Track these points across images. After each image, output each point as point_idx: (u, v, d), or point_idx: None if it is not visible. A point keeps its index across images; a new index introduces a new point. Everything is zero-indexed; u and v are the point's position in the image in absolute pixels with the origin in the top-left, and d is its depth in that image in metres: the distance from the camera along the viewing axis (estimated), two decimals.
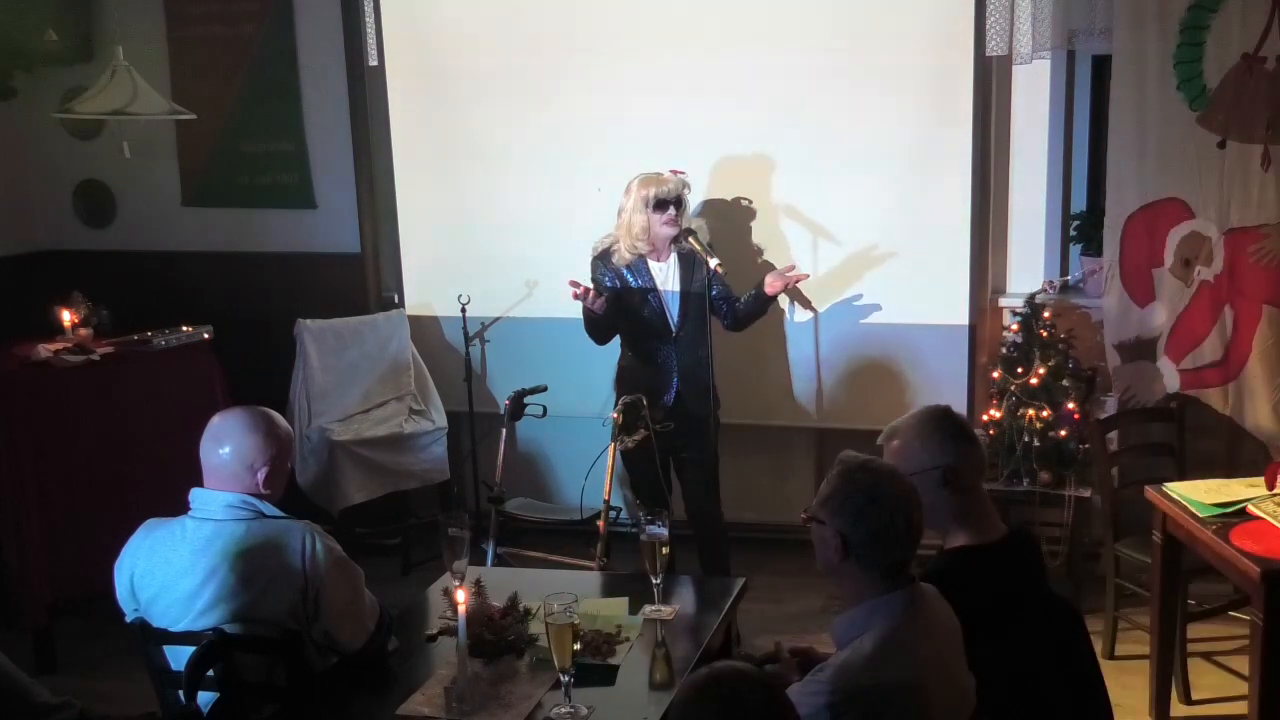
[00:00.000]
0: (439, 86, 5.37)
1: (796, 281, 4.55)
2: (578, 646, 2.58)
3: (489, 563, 4.53)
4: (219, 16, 5.53)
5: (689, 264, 4.40)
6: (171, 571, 2.75)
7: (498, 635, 2.84)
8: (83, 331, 4.88)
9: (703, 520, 4.55)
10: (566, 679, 2.59)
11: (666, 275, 4.42)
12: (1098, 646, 3.53)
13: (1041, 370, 4.68)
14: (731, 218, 5.02)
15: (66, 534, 4.52)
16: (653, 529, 3.04)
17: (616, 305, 4.41)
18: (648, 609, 3.07)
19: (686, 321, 4.38)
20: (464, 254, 5.44)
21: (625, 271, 4.41)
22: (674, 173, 4.36)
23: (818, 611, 4.63)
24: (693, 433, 4.42)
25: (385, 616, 2.91)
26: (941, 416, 2.65)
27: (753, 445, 5.25)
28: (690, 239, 4.32)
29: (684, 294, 4.39)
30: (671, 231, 4.34)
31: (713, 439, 4.46)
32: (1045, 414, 4.65)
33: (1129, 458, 4.54)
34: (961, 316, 4.99)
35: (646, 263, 4.41)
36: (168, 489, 3.03)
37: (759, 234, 5.06)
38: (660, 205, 4.31)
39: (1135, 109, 4.63)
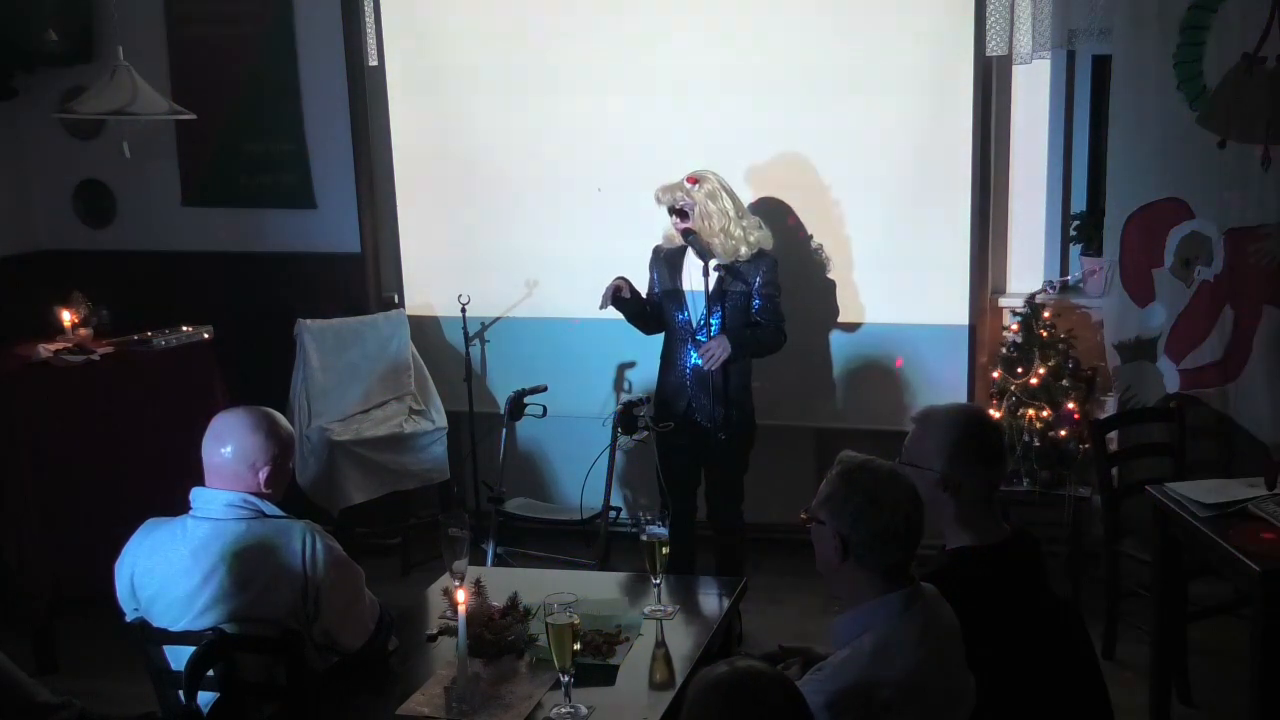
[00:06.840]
0: (439, 86, 5.37)
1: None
2: (578, 646, 2.58)
3: (489, 563, 4.54)
4: (219, 16, 5.53)
5: (724, 268, 4.32)
6: (171, 571, 2.75)
7: (498, 635, 2.84)
8: (83, 331, 4.88)
9: (716, 523, 4.56)
10: (566, 679, 2.59)
11: (696, 274, 4.35)
12: (1098, 646, 3.53)
13: (1041, 370, 4.68)
14: None
15: (66, 534, 4.51)
16: (653, 529, 3.04)
17: (652, 297, 4.48)
18: (648, 609, 3.07)
19: (710, 323, 4.31)
20: (464, 254, 5.44)
21: (664, 264, 4.44)
22: (690, 180, 4.31)
23: (818, 611, 4.62)
24: (706, 437, 4.39)
25: (385, 616, 2.92)
26: (970, 431, 2.56)
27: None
28: (689, 241, 4.31)
29: (710, 295, 4.28)
30: (679, 234, 4.34)
31: (733, 447, 4.41)
32: (1045, 414, 4.65)
33: (1129, 458, 4.54)
34: (961, 316, 4.98)
35: (684, 258, 4.38)
36: (168, 489, 3.04)
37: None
38: (668, 211, 4.33)
39: (1135, 109, 4.63)
